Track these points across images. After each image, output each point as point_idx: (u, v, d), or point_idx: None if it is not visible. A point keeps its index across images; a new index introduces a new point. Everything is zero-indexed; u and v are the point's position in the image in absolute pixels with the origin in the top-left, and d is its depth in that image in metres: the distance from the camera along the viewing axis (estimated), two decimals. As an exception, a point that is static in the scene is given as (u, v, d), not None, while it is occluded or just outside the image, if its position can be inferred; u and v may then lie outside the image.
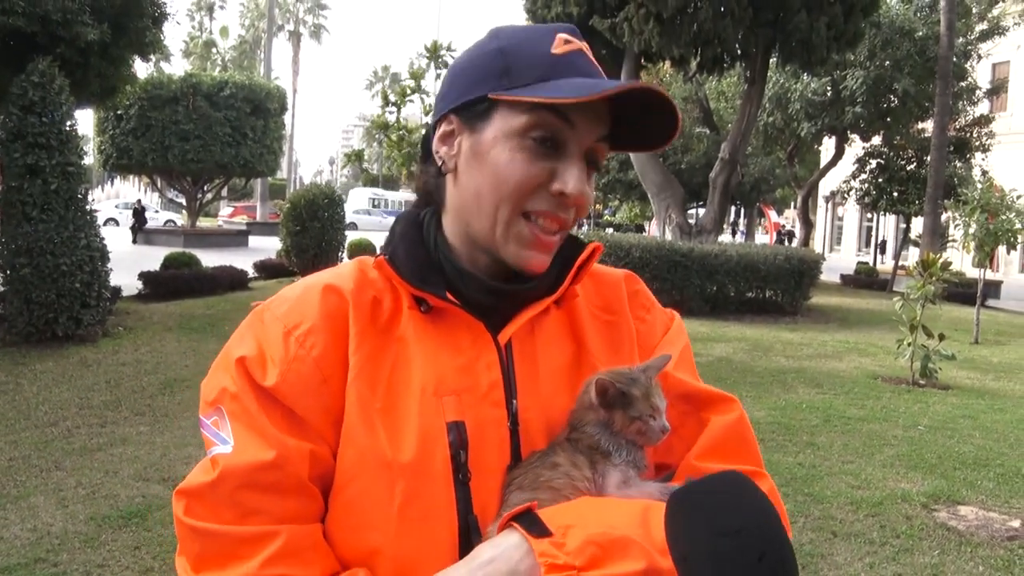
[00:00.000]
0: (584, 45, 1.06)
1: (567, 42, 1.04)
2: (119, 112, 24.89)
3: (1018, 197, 13.98)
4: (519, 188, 1.02)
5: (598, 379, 1.03)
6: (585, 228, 41.98)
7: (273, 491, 0.96)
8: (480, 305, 1.06)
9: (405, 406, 1.01)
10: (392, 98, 13.63)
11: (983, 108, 29.46)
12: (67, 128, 9.64)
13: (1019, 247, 15.57)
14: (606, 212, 57.44)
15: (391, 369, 1.03)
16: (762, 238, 45.93)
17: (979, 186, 14.64)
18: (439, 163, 1.09)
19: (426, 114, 13.68)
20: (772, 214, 49.67)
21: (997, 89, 31.10)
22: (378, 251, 1.14)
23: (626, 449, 1.03)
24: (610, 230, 40.79)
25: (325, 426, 1.00)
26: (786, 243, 35.21)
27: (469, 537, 0.98)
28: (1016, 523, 5.25)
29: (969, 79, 26.35)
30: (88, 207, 10.04)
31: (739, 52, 17.03)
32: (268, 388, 0.99)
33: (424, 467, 0.99)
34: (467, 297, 1.06)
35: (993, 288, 21.78)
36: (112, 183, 63.01)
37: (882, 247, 39.92)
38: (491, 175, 1.02)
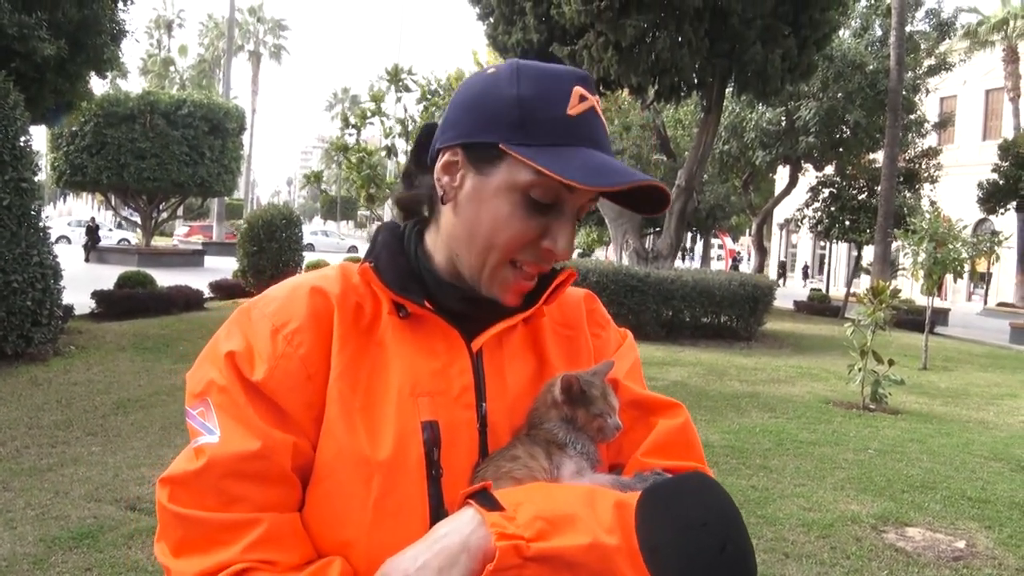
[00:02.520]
0: (596, 100, 1.11)
1: (583, 99, 1.09)
2: (73, 129, 24.60)
3: (964, 227, 14.33)
4: (512, 241, 1.09)
5: (564, 376, 1.11)
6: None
7: (257, 480, 1.02)
8: (455, 313, 1.13)
9: (383, 406, 1.07)
10: (352, 120, 13.66)
11: (931, 140, 30.22)
12: (21, 144, 9.51)
13: (966, 276, 15.92)
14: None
15: (370, 371, 1.10)
16: (717, 264, 46.44)
17: (928, 216, 14.99)
18: (440, 191, 1.14)
19: (386, 136, 13.75)
20: (727, 241, 50.26)
21: (944, 122, 31.93)
22: (362, 258, 1.20)
23: (582, 443, 1.10)
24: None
25: (307, 421, 1.06)
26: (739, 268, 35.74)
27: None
28: (961, 544, 5.37)
29: (918, 112, 27.04)
30: (41, 224, 9.90)
31: (696, 81, 17.29)
32: (256, 382, 1.05)
33: (399, 463, 1.05)
34: (443, 305, 1.13)
35: (941, 316, 22.25)
36: (65, 200, 62.13)
37: (804, 272, 41.52)
38: (489, 222, 1.09)
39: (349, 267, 1.18)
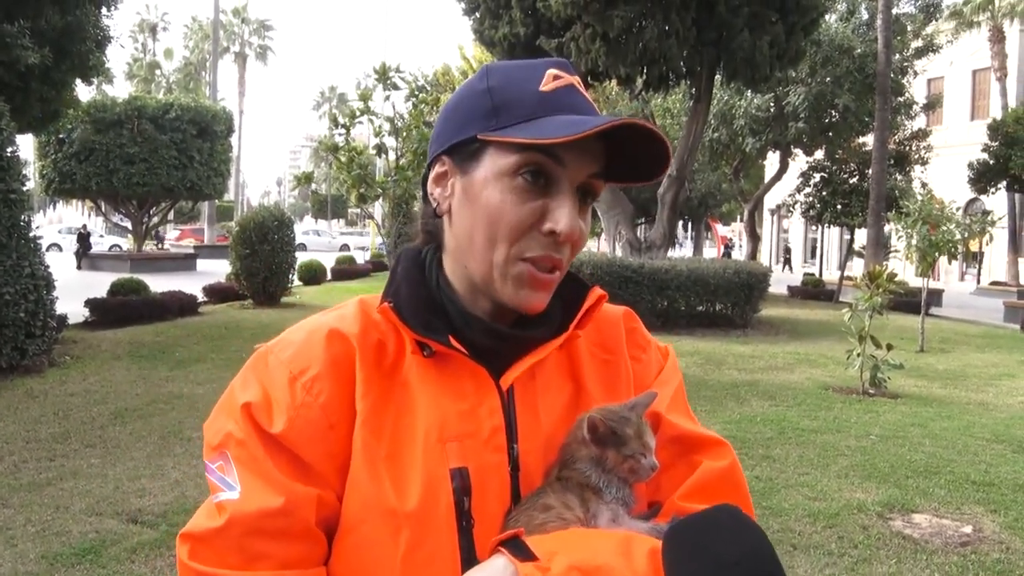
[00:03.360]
0: (575, 79, 1.06)
1: (557, 77, 1.04)
2: (61, 136, 24.48)
3: (957, 209, 14.32)
4: (512, 229, 1.02)
5: (589, 417, 1.04)
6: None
7: (280, 537, 0.97)
8: (482, 348, 1.06)
9: (410, 453, 1.02)
10: (341, 119, 13.58)
11: (920, 122, 30.22)
12: (8, 154, 9.43)
13: (959, 257, 15.93)
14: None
15: (396, 416, 1.04)
16: (710, 251, 46.45)
17: (919, 198, 14.99)
18: (434, 204, 1.10)
19: (376, 135, 13.67)
20: (719, 227, 50.28)
21: (933, 104, 31.91)
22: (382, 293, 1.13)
23: (616, 486, 1.04)
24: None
25: (331, 472, 1.01)
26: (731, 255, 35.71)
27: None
28: (968, 529, 5.35)
29: (906, 94, 27.01)
30: (32, 235, 9.82)
31: (684, 70, 17.25)
32: (275, 435, 1.00)
33: (428, 515, 0.99)
34: (470, 340, 1.06)
35: (935, 296, 22.26)
36: (55, 208, 61.81)
37: (787, 255, 41.32)
38: (484, 216, 1.03)
39: (369, 303, 1.12)
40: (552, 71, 1.05)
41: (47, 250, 39.86)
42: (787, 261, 43.74)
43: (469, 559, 0.99)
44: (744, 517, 0.95)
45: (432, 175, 1.09)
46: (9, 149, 9.49)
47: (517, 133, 0.99)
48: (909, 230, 14.10)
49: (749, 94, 25.31)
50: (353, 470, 1.01)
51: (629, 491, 1.06)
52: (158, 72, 69.88)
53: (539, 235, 1.03)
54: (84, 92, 19.80)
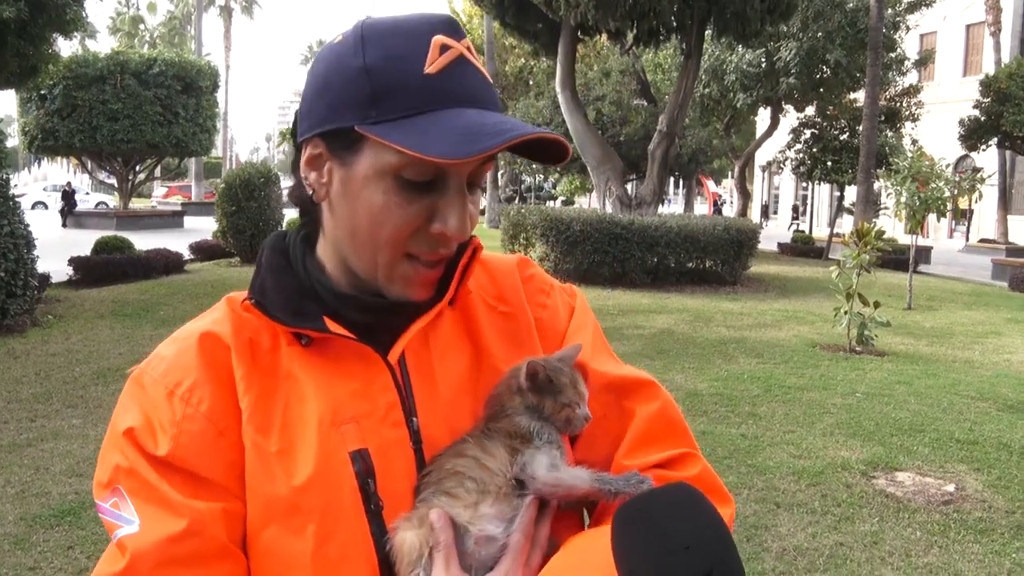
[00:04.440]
0: (464, 46, 0.95)
1: (444, 48, 0.92)
2: (43, 92, 24.13)
3: (947, 166, 14.25)
4: (396, 233, 0.95)
5: (529, 362, 1.00)
6: (529, 202, 41.93)
7: (193, 562, 0.90)
8: (364, 326, 1.00)
9: (303, 443, 0.96)
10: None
11: (912, 78, 30.00)
12: (-15, 111, 9.26)
13: (948, 214, 15.89)
14: (547, 185, 57.44)
15: (284, 408, 0.98)
16: (701, 208, 46.34)
17: (909, 155, 14.90)
18: (309, 189, 1.01)
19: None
20: (710, 184, 50.15)
21: (925, 60, 31.67)
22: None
23: (547, 432, 1.00)
24: (551, 203, 40.83)
25: (232, 481, 0.95)
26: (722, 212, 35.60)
27: (391, 569, 0.94)
28: (951, 487, 5.36)
29: (898, 50, 26.82)
30: (10, 192, 9.70)
31: (675, 25, 17.01)
32: (163, 457, 0.93)
33: (332, 504, 0.94)
34: (348, 319, 0.99)
35: (924, 253, 22.27)
36: (39, 165, 61.28)
37: (764, 211, 40.48)
38: (366, 216, 0.95)
39: (236, 300, 1.04)
40: (439, 39, 0.93)
41: (32, 208, 39.38)
42: (795, 219, 42.76)
43: (382, 544, 0.94)
44: (697, 497, 0.89)
45: (305, 156, 0.99)
46: (-14, 105, 9.30)
47: (401, 136, 0.88)
48: (898, 187, 14.01)
49: (740, 49, 25.10)
50: (248, 472, 0.95)
51: (559, 438, 1.02)
52: (142, 27, 68.93)
53: (426, 236, 0.96)
54: (66, 47, 19.49)
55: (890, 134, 24.85)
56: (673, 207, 44.68)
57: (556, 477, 0.96)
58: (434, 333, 1.05)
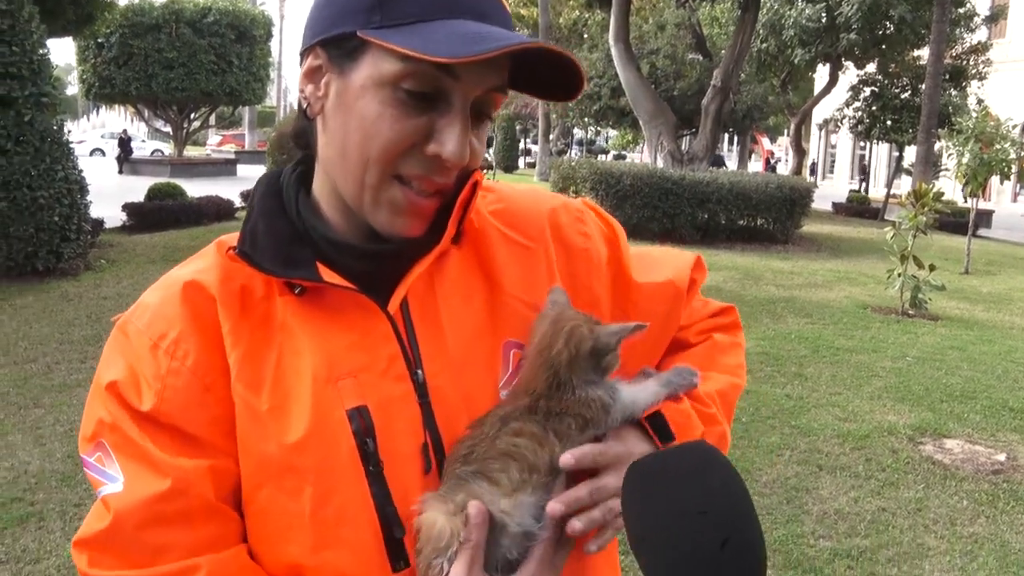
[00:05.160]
0: None
1: None
2: (100, 41, 24.37)
3: (1013, 127, 13.79)
4: (387, 149, 0.87)
5: (573, 327, 0.93)
6: (576, 154, 41.61)
7: (180, 521, 0.87)
8: (360, 273, 0.93)
9: (297, 400, 0.90)
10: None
11: (981, 35, 28.96)
12: (38, 57, 9.35)
13: (1013, 177, 15.42)
14: (599, 139, 56.96)
15: (277, 361, 0.92)
16: (755, 166, 45.60)
17: (974, 115, 14.44)
18: (304, 103, 0.94)
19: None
20: (765, 142, 49.28)
21: (996, 16, 30.54)
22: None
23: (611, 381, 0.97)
24: (602, 157, 40.43)
25: (219, 437, 0.90)
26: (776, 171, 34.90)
27: (392, 532, 0.89)
28: (1002, 456, 5.23)
29: (967, 5, 25.85)
30: (64, 139, 9.82)
31: (733, -24, 16.62)
32: (147, 412, 0.89)
33: (329, 466, 0.89)
34: (344, 266, 0.93)
35: (984, 217, 21.68)
36: (97, 113, 62.13)
37: (811, 170, 38.90)
38: (358, 130, 0.88)
39: (227, 244, 0.98)
40: None
41: (90, 155, 40.00)
42: (863, 182, 40.68)
43: (385, 506, 0.89)
44: (716, 457, 0.83)
45: (304, 68, 0.93)
46: (40, 52, 9.40)
47: (403, 39, 0.83)
48: (960, 148, 13.61)
49: (800, 3, 24.46)
50: (239, 430, 0.90)
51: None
52: (198, -26, 69.16)
53: (421, 156, 0.88)
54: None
55: (954, 93, 24.08)
56: (727, 164, 43.95)
57: (655, 394, 0.97)
58: (440, 276, 0.98)
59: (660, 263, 1.15)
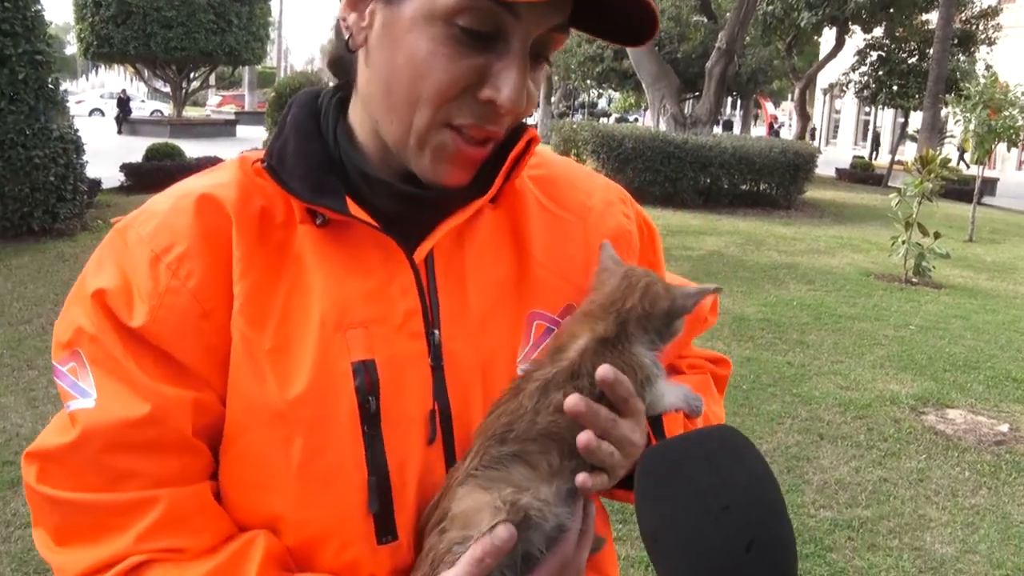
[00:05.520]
0: None
1: None
2: (98, -1, 24.09)
3: (1022, 93, 13.61)
4: (439, 91, 0.79)
5: (650, 281, 0.88)
6: (579, 117, 41.32)
7: (149, 450, 0.79)
8: (391, 215, 0.86)
9: (301, 344, 0.83)
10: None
11: (990, -1, 28.62)
12: (32, 14, 9.19)
13: (1021, 144, 15.25)
14: (601, 102, 56.55)
15: (285, 298, 0.84)
16: (758, 131, 45.29)
17: (982, 81, 14.24)
18: (346, 34, 0.86)
19: None
20: (769, 106, 48.91)
21: (1007, -22, 30.15)
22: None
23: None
24: (604, 120, 40.12)
25: (209, 369, 0.82)
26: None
27: (384, 500, 0.82)
28: (1004, 427, 5.18)
29: (978, -33, 25.52)
30: (60, 97, 9.68)
31: (740, -64, 16.35)
32: (136, 328, 0.81)
33: (325, 419, 0.81)
34: (374, 205, 0.85)
35: (989, 185, 21.53)
36: (96, 72, 61.67)
37: (811, 135, 37.80)
38: (406, 67, 0.80)
39: (251, 160, 0.90)
40: None
41: (90, 115, 39.69)
42: (875, 148, 39.91)
43: (379, 471, 0.81)
44: (742, 444, 0.75)
45: None
46: (34, 8, 9.24)
47: None
48: (968, 114, 13.43)
49: (808, -36, 24.08)
50: (233, 367, 0.82)
51: None
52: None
53: (474, 101, 0.80)
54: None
55: (962, 58, 23.79)
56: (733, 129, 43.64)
57: (695, 403, 0.89)
58: (470, 233, 0.91)
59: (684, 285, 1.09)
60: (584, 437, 0.78)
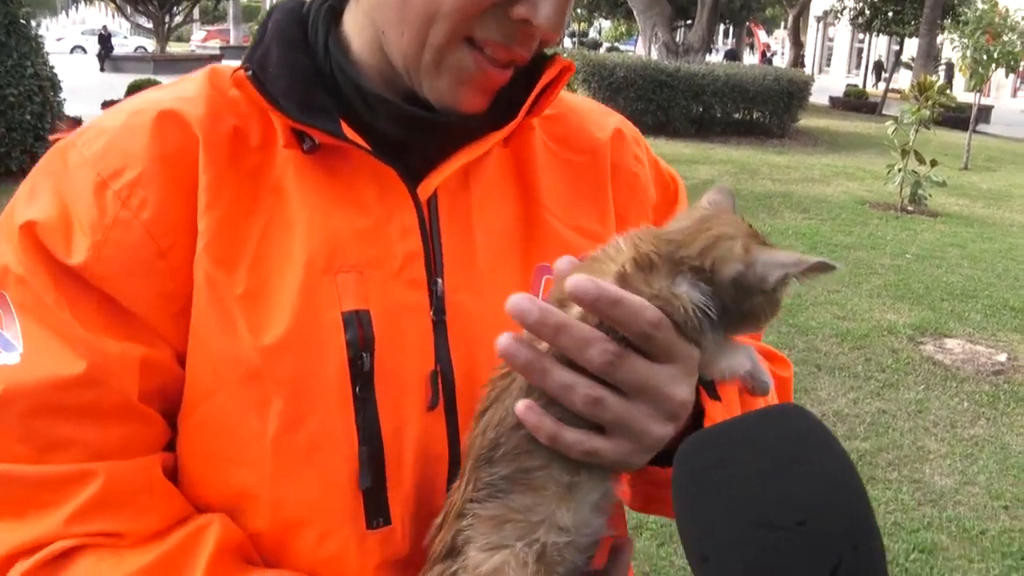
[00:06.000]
0: None
1: None
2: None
3: (1022, 18, 13.35)
4: (466, 5, 0.67)
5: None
6: (569, 46, 40.75)
7: (85, 416, 0.66)
8: (392, 141, 0.73)
9: (281, 288, 0.70)
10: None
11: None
12: (1, -58, 8.87)
13: (1020, 71, 15.02)
14: (592, 31, 55.71)
15: (262, 233, 0.71)
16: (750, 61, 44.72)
17: (981, 6, 13.95)
18: None
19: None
20: (761, 34, 48.25)
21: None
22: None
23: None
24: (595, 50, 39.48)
25: (164, 319, 0.69)
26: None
27: (377, 475, 0.69)
28: (1002, 357, 5.12)
29: None
30: (33, 33, 9.39)
31: None
32: (74, 267, 0.67)
33: (309, 378, 0.69)
34: (372, 128, 0.72)
35: (984, 113, 21.30)
36: (77, 9, 60.42)
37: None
38: None
39: (222, 73, 0.76)
40: None
41: (71, 52, 39.08)
42: (882, 75, 38.86)
43: (372, 441, 0.69)
44: (815, 432, 0.57)
45: None
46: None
47: None
48: (965, 40, 13.18)
49: None
50: (195, 317, 0.69)
51: None
52: None
53: (504, 18, 0.68)
54: None
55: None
56: (720, 57, 43.09)
57: (762, 376, 0.69)
58: (477, 173, 0.78)
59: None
60: (522, 406, 0.63)
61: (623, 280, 0.61)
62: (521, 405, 0.62)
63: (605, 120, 0.89)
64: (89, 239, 0.67)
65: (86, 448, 0.66)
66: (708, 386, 0.70)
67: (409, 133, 0.74)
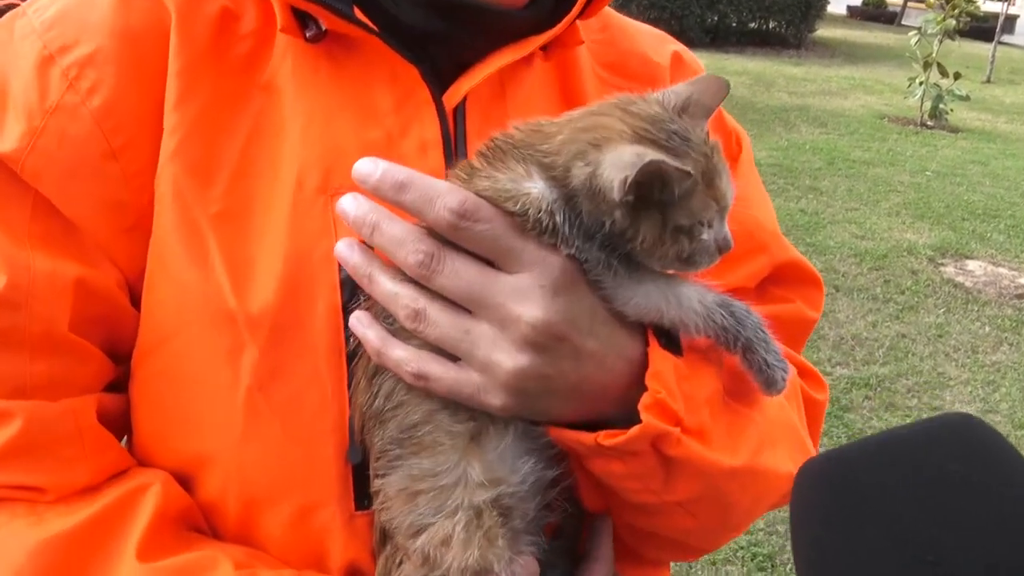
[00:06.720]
0: None
1: None
2: None
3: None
4: None
5: (651, 162, 0.50)
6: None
7: (1, 344, 0.54)
8: (414, 34, 0.59)
9: (266, 209, 0.57)
10: None
11: None
12: None
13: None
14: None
15: (246, 139, 0.58)
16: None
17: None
18: None
19: None
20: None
21: None
22: None
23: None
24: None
25: (112, 235, 0.57)
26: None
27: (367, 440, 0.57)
28: (1026, 279, 5.01)
29: None
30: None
31: None
32: (3, 155, 0.55)
33: (294, 323, 0.56)
34: (393, 18, 0.58)
35: (1009, 23, 20.72)
36: None
37: None
38: None
39: None
40: None
41: None
42: None
43: (364, 400, 0.57)
44: (1001, 448, 0.44)
45: None
46: None
47: None
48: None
49: None
50: (157, 238, 0.57)
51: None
52: None
53: None
54: None
55: None
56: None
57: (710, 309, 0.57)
58: (515, 83, 0.65)
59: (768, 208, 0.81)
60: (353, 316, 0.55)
61: (468, 170, 0.53)
62: (353, 316, 0.54)
63: (662, 45, 0.78)
64: (24, 124, 0.55)
65: (6, 384, 0.55)
66: (667, 335, 0.57)
67: (436, 24, 0.60)
